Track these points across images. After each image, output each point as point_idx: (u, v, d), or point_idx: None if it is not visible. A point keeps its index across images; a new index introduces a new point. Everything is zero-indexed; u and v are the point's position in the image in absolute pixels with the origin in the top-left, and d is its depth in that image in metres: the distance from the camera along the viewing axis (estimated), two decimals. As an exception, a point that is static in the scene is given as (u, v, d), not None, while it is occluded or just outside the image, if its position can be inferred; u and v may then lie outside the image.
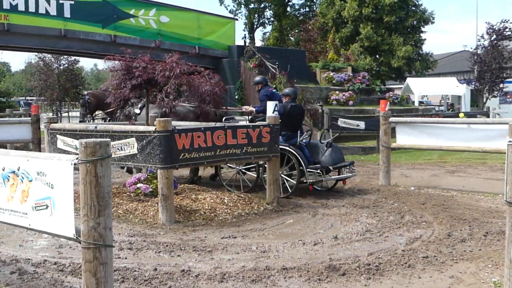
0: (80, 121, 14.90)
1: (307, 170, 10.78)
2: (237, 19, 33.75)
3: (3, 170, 4.98)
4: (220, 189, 11.01)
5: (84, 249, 4.19)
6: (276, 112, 10.57)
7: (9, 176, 4.94)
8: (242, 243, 7.53)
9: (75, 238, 4.31)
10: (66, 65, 37.79)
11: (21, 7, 17.32)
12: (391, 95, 25.65)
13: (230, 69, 22.89)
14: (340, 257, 6.82)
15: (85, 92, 15.09)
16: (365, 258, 6.75)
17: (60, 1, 18.22)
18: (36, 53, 37.55)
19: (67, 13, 18.41)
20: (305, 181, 10.93)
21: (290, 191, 10.97)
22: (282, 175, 10.93)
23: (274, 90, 13.79)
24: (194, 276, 6.08)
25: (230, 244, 7.45)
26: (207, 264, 6.54)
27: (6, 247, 7.37)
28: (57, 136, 10.29)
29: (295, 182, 11.00)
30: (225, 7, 48.16)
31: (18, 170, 4.82)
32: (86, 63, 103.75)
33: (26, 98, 57.35)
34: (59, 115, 36.03)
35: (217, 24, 23.45)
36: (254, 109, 12.87)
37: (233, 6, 45.65)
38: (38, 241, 7.70)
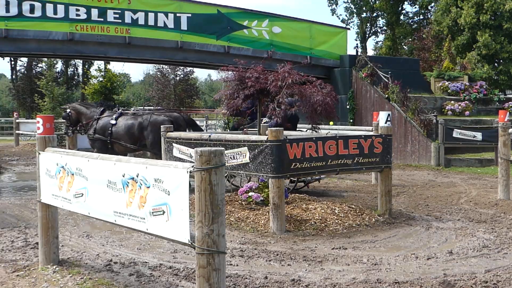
0: (65, 133, 15.42)
1: None
2: (349, 29, 33.52)
3: (123, 176, 5.20)
4: (331, 199, 10.94)
5: (198, 254, 4.29)
6: (388, 122, 10.39)
7: (128, 182, 5.15)
8: (353, 254, 7.43)
9: (189, 243, 4.42)
10: (182, 75, 39.13)
11: (141, 21, 18.10)
12: (511, 105, 24.44)
13: (342, 79, 22.74)
14: (455, 273, 6.56)
15: (67, 105, 15.39)
16: (482, 275, 6.46)
17: (178, 14, 18.87)
18: (154, 65, 39.17)
19: (183, 26, 19.04)
20: (303, 179, 11.90)
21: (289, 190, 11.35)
22: None
23: None
24: (304, 286, 6.07)
25: (341, 255, 7.38)
26: (317, 275, 6.51)
27: (125, 250, 7.70)
28: (173, 144, 10.66)
29: (293, 184, 11.96)
30: (337, 16, 48.18)
31: (137, 176, 5.02)
32: (201, 74, 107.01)
33: (144, 107, 59.84)
34: (175, 124, 37.21)
35: (329, 33, 23.39)
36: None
37: (345, 16, 45.48)
38: (154, 245, 7.99)
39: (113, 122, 13.46)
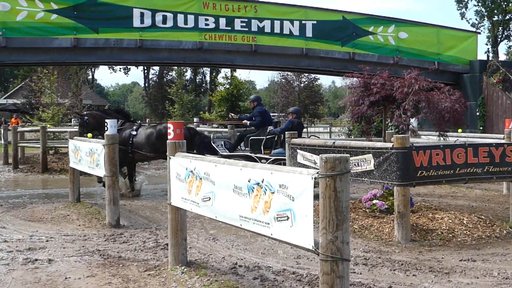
0: None
1: None
2: (479, 33, 32.16)
3: (249, 181, 5.31)
4: (459, 209, 10.54)
5: (322, 261, 4.29)
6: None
7: (253, 188, 5.25)
8: (482, 267, 7.11)
9: (313, 250, 4.43)
10: (306, 82, 39.28)
11: (268, 29, 18.40)
12: None
13: (471, 85, 21.85)
14: None
15: (84, 113, 15.22)
16: None
17: (303, 22, 18.99)
18: (279, 72, 39.63)
19: (308, 33, 19.13)
20: None
21: None
22: None
23: (265, 108, 15.46)
24: (430, 298, 5.89)
25: (469, 268, 7.08)
26: (444, 287, 6.29)
27: (250, 254, 7.85)
28: (297, 150, 10.72)
29: None
30: (467, 21, 46.29)
31: (262, 182, 5.10)
32: (324, 80, 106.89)
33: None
34: (299, 130, 37.41)
35: (458, 38, 22.59)
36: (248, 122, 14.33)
37: (475, 20, 43.61)
38: (277, 250, 8.08)
39: (134, 133, 13.90)
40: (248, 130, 14.37)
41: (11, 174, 19.06)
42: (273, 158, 12.94)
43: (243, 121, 14.77)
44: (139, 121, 16.31)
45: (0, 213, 11.23)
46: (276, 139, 13.56)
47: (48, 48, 15.66)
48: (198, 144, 13.32)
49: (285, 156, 11.70)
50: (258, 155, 13.21)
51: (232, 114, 17.12)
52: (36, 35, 15.13)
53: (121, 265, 7.26)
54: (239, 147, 14.16)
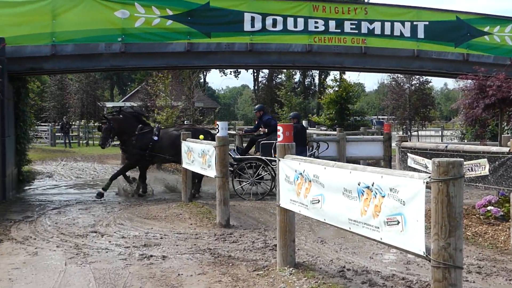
0: (100, 145, 15.14)
1: None
2: None
3: (359, 185, 5.28)
4: None
5: (434, 268, 4.21)
6: None
7: (363, 191, 5.22)
8: None
9: (424, 256, 4.35)
10: (417, 84, 38.31)
11: (378, 31, 18.12)
12: None
13: None
14: None
15: (110, 117, 15.02)
16: None
17: (414, 23, 18.55)
18: (389, 74, 38.92)
19: (420, 34, 18.65)
20: None
21: None
22: None
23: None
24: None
25: None
26: None
27: (358, 258, 7.79)
28: (408, 154, 10.52)
29: None
30: None
31: (372, 185, 5.06)
32: (436, 83, 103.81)
33: (378, 116, 59.82)
34: (409, 134, 36.65)
35: None
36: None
37: None
38: (386, 255, 7.97)
39: (156, 138, 14.48)
40: (258, 136, 14.98)
41: (128, 173, 19.92)
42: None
43: (260, 129, 15.22)
44: (158, 124, 17.31)
45: (118, 211, 11.81)
46: None
47: (163, 53, 16.24)
48: None
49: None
50: (268, 158, 13.67)
51: (240, 132, 18.96)
52: (153, 40, 15.75)
53: (230, 264, 7.43)
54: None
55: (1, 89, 12.70)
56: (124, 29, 15.27)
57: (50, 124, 40.32)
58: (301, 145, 13.81)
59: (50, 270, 7.19)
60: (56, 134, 39.15)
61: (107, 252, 8.17)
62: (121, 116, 14.99)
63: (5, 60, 13.34)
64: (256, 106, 16.35)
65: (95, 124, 41.26)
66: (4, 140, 13.31)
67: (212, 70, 74.02)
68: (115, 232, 9.60)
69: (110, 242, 8.87)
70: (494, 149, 8.77)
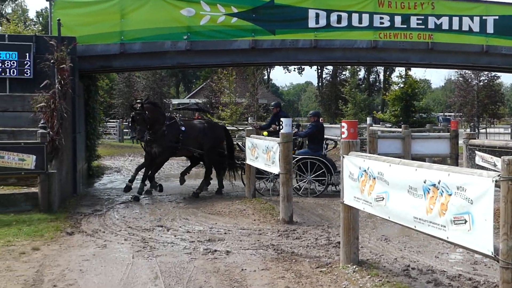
0: (139, 138, 13.50)
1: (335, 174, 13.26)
2: None
3: (424, 182, 5.21)
4: None
5: (502, 268, 4.12)
6: None
7: (429, 189, 5.15)
8: None
9: (492, 256, 4.26)
10: (486, 80, 37.33)
11: (445, 26, 17.75)
12: None
13: None
14: None
15: (143, 106, 13.32)
16: None
17: (484, 17, 18.07)
18: (456, 70, 38.05)
19: (489, 29, 18.16)
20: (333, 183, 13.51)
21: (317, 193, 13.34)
22: (312, 180, 13.58)
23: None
24: None
25: None
26: None
27: (423, 257, 7.68)
28: (476, 152, 10.28)
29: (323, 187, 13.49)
30: None
31: (439, 183, 4.99)
32: (506, 78, 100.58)
33: (445, 113, 58.58)
34: (477, 131, 35.75)
35: None
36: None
37: None
38: (452, 254, 7.82)
39: (183, 129, 13.80)
40: (273, 133, 14.29)
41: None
42: (299, 157, 13.68)
43: (273, 126, 14.87)
44: (178, 115, 16.70)
45: (183, 206, 12.03)
46: (299, 139, 14.56)
47: (228, 50, 16.41)
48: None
49: (308, 155, 13.68)
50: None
51: (255, 125, 18.26)
52: (218, 37, 15.94)
53: (293, 260, 7.46)
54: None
55: (73, 87, 13.12)
56: (190, 27, 15.52)
57: (118, 120, 41.31)
58: (319, 143, 14.08)
59: (118, 263, 7.40)
60: (124, 130, 40.11)
61: (172, 246, 8.34)
62: (149, 105, 13.77)
63: (77, 59, 13.78)
64: (273, 103, 16.26)
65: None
66: (75, 136, 13.76)
67: (276, 67, 74.03)
68: (180, 227, 9.79)
69: (175, 236, 9.05)
70: None
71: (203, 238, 8.84)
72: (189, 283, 6.49)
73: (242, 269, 7.06)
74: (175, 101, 54.27)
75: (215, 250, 8.01)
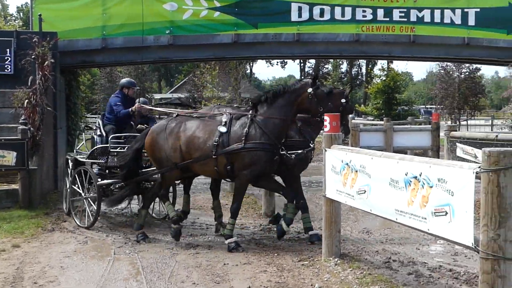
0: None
1: None
2: None
3: (406, 175, 5.22)
4: None
5: (482, 259, 4.14)
6: None
7: (410, 181, 5.16)
8: None
9: (473, 247, 4.28)
10: (467, 73, 37.58)
11: (427, 19, 17.79)
12: None
13: None
14: None
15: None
16: None
17: (465, 10, 18.14)
18: (437, 63, 38.27)
19: (471, 21, 18.23)
20: None
21: None
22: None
23: None
24: None
25: None
26: None
27: (404, 249, 7.72)
28: (457, 144, 10.33)
29: None
30: None
31: (420, 175, 5.00)
32: (487, 71, 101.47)
33: (426, 106, 58.94)
34: (458, 123, 36.01)
35: None
36: None
37: None
38: (433, 246, 7.87)
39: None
40: None
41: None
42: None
43: None
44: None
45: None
46: None
47: (210, 44, 16.33)
48: None
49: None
50: None
51: None
52: (200, 32, 15.85)
53: (276, 254, 7.46)
54: None
55: (54, 82, 12.99)
56: (172, 22, 15.42)
57: (99, 115, 41.07)
58: None
59: (100, 259, 7.35)
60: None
61: (154, 241, 8.30)
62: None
63: (58, 54, 13.63)
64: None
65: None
66: (56, 132, 13.64)
67: (258, 61, 73.94)
68: (161, 222, 9.74)
69: (157, 231, 9.00)
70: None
71: (185, 233, 8.80)
72: (171, 278, 6.46)
73: (224, 264, 7.04)
74: (157, 96, 54.02)
75: (197, 245, 7.98)
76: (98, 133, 10.05)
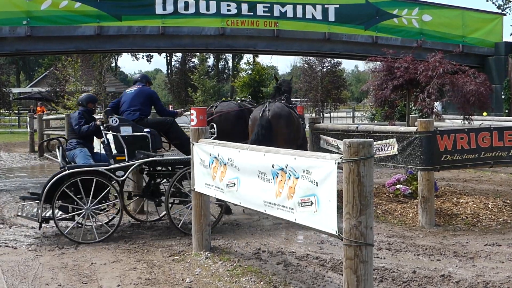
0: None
1: None
2: (505, 14, 31.53)
3: (273, 167, 5.31)
4: (484, 193, 10.45)
5: (346, 246, 4.30)
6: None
7: (278, 173, 5.25)
8: (508, 251, 7.05)
9: (337, 235, 4.43)
10: (329, 67, 39.06)
11: (290, 14, 18.29)
12: None
13: (497, 68, 21.55)
14: None
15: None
16: None
17: (325, 6, 18.84)
18: (301, 57, 39.48)
19: (331, 17, 18.97)
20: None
21: None
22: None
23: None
24: (454, 282, 5.86)
25: (494, 252, 7.03)
26: (468, 271, 6.26)
27: (273, 239, 7.88)
28: (320, 136, 10.70)
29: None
30: (492, 2, 45.37)
31: (286, 167, 5.10)
32: (347, 65, 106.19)
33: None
34: (322, 115, 37.37)
35: (483, 20, 22.21)
36: None
37: (502, 1, 42.79)
38: (300, 235, 8.10)
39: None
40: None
41: (37, 161, 19.31)
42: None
43: None
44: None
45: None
46: None
47: (72, 37, 15.76)
48: None
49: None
50: None
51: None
52: (61, 23, 15.25)
53: (145, 250, 7.34)
54: None
55: None
56: (29, 12, 14.69)
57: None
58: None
59: (-45, 265, 6.85)
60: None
61: (16, 243, 7.87)
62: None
63: None
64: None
65: (1, 111, 39.63)
66: None
67: (124, 54, 72.37)
68: (22, 224, 9.24)
69: (18, 233, 8.55)
70: (402, 129, 9.06)
71: (49, 233, 8.43)
72: (35, 281, 6.15)
73: (92, 263, 6.82)
74: (15, 90, 51.31)
75: (63, 246, 7.66)
76: None
